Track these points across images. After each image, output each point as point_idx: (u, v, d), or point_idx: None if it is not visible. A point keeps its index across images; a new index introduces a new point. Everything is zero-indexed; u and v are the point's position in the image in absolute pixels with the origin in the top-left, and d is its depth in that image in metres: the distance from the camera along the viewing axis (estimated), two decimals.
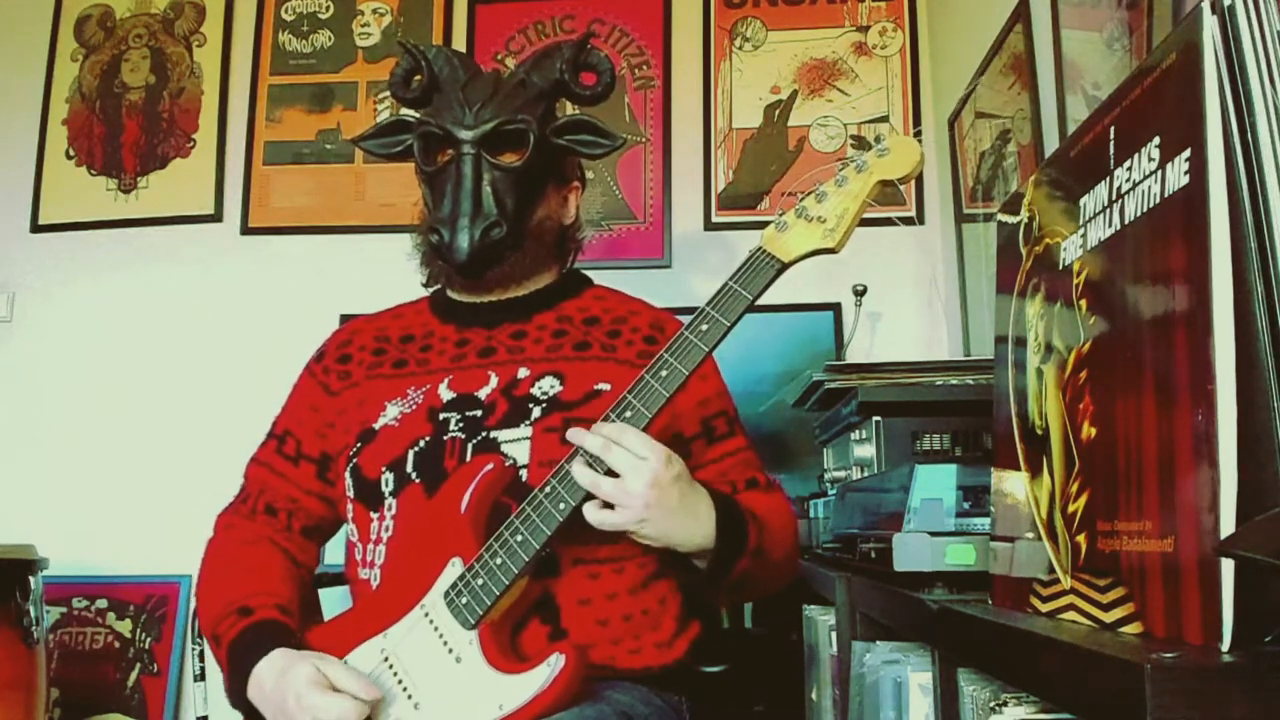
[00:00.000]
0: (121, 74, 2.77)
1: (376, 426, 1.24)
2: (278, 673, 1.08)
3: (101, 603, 2.51)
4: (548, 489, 1.06)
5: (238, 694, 1.12)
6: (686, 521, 1.07)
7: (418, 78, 1.32)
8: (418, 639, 1.09)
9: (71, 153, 2.73)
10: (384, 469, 1.21)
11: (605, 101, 1.35)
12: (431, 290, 1.40)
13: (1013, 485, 0.78)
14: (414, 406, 1.24)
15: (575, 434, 1.06)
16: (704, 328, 1.07)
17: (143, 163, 2.72)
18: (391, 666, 1.10)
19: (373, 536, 1.20)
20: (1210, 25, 0.55)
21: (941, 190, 2.44)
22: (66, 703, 2.42)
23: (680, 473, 1.06)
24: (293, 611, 1.19)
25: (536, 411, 1.20)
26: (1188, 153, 0.55)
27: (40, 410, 2.61)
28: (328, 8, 2.74)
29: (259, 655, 1.10)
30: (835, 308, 2.43)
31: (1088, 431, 0.65)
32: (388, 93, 2.55)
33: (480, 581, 1.07)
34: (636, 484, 1.02)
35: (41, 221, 2.71)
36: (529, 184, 1.29)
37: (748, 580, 1.16)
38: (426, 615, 1.10)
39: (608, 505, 1.05)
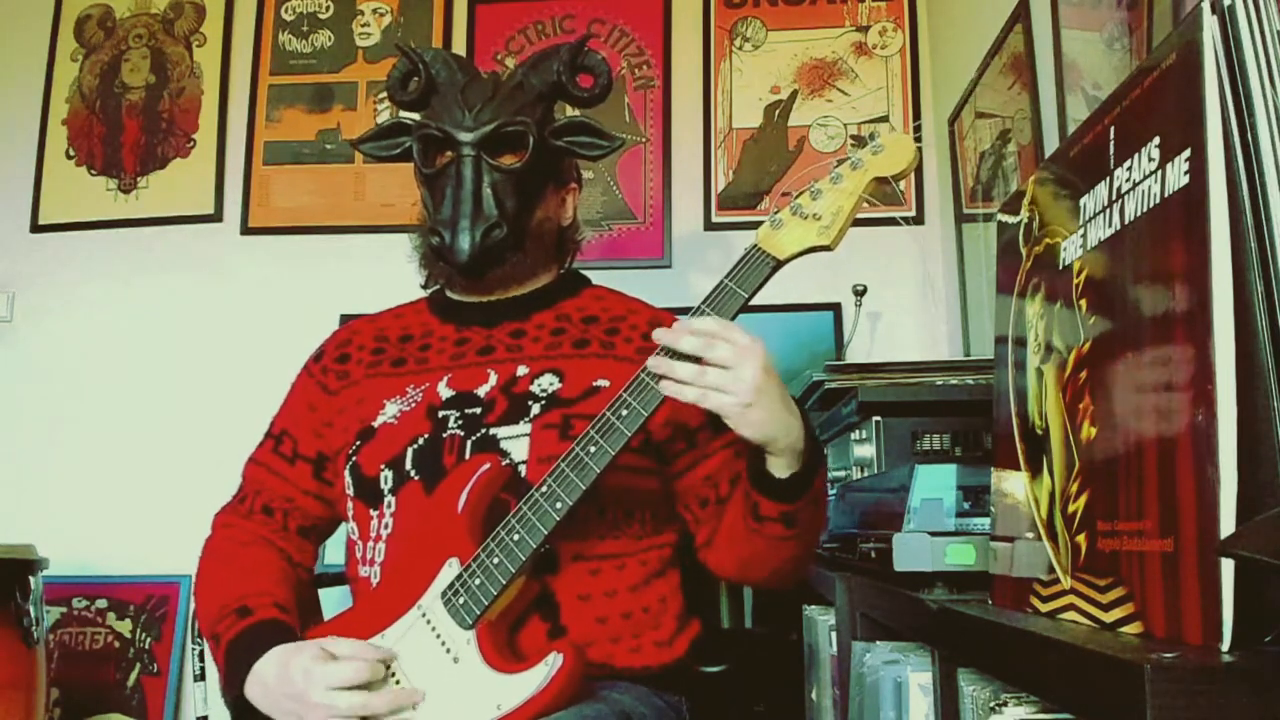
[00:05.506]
0: (121, 74, 2.76)
1: (375, 425, 1.24)
2: (280, 664, 1.08)
3: (101, 603, 2.50)
4: (544, 488, 1.06)
5: (234, 694, 1.12)
6: (788, 412, 1.04)
7: (415, 80, 1.31)
8: (415, 639, 1.09)
9: (71, 153, 2.73)
10: (383, 466, 1.21)
11: (603, 103, 1.35)
12: (431, 290, 1.40)
13: (1013, 485, 0.78)
14: (413, 404, 1.24)
15: (663, 334, 1.02)
16: None
17: (143, 163, 2.71)
18: (389, 667, 1.10)
19: (373, 534, 1.21)
20: (1210, 25, 0.55)
21: (941, 190, 2.44)
22: (66, 703, 2.42)
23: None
24: (291, 611, 1.19)
25: (535, 408, 1.20)
26: (1188, 153, 0.55)
27: (40, 410, 2.61)
28: (328, 8, 2.74)
29: (258, 654, 1.10)
30: (835, 308, 2.43)
31: (1088, 431, 0.65)
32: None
33: (478, 581, 1.07)
34: (746, 370, 0.99)
35: (41, 221, 2.71)
36: (529, 185, 1.29)
37: (818, 507, 1.12)
38: (424, 616, 1.10)
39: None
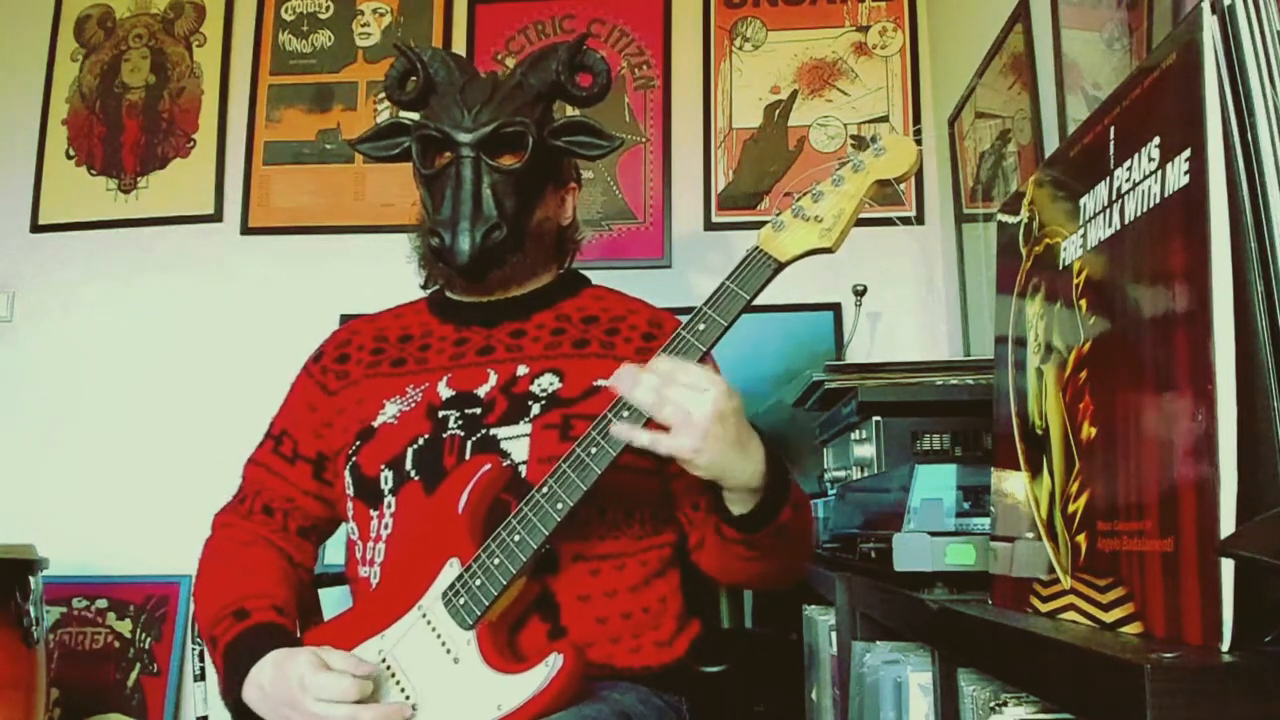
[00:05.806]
0: (121, 74, 2.76)
1: (375, 425, 1.24)
2: (276, 668, 1.08)
3: (101, 603, 2.50)
4: (545, 489, 1.06)
5: (232, 696, 1.12)
6: (740, 457, 1.04)
7: (413, 80, 1.31)
8: (415, 640, 1.09)
9: (71, 153, 2.73)
10: (383, 467, 1.21)
11: (602, 102, 1.35)
12: (430, 290, 1.40)
13: (1013, 485, 0.78)
14: (413, 405, 1.24)
15: (625, 372, 1.02)
16: (700, 328, 1.06)
17: (143, 163, 2.72)
18: (389, 667, 1.10)
19: (373, 534, 1.20)
20: (1210, 25, 0.55)
21: (941, 190, 2.44)
22: (66, 703, 2.42)
23: (739, 406, 1.03)
24: (290, 612, 1.19)
25: (536, 409, 1.20)
26: (1188, 153, 0.55)
27: (40, 410, 2.61)
28: (328, 8, 2.74)
29: (256, 658, 1.10)
30: (835, 308, 2.43)
31: (1088, 431, 0.65)
32: None
33: (478, 582, 1.07)
34: (699, 414, 0.99)
35: (41, 221, 2.71)
36: (528, 186, 1.29)
37: (783, 539, 1.13)
38: (424, 616, 1.10)
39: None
